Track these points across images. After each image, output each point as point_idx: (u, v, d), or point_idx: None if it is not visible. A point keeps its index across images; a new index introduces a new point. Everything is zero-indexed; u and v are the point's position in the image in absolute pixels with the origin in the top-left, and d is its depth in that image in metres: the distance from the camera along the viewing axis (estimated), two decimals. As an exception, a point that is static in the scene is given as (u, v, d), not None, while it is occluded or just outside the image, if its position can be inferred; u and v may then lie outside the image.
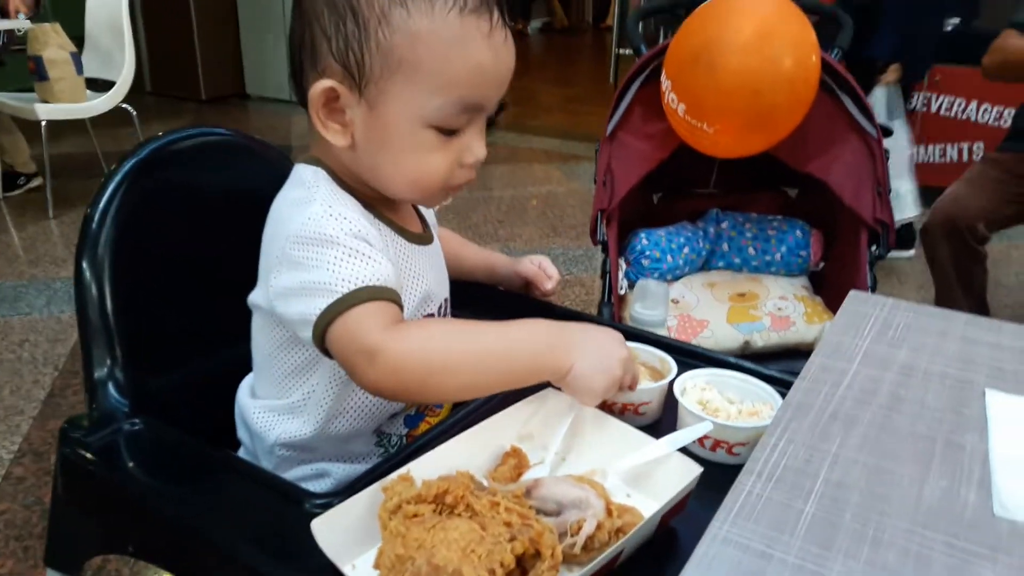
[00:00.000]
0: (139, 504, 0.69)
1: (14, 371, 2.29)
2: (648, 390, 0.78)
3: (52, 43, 3.32)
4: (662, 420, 0.82)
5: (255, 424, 0.81)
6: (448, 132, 0.72)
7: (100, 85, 3.60)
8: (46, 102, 3.37)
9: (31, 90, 3.47)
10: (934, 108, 3.80)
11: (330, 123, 0.72)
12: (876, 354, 0.76)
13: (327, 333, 0.67)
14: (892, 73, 2.73)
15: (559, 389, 0.71)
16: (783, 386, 0.77)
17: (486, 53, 0.70)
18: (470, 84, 0.70)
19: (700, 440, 0.73)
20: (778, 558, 0.51)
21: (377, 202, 0.79)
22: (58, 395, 2.19)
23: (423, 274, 0.82)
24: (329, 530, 0.56)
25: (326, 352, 0.69)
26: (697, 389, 0.78)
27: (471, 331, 0.70)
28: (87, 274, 0.79)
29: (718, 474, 0.66)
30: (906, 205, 2.83)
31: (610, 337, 0.72)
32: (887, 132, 1.59)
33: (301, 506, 0.64)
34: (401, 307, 0.70)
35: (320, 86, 0.70)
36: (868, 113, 1.56)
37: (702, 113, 1.46)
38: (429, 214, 0.91)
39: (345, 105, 0.71)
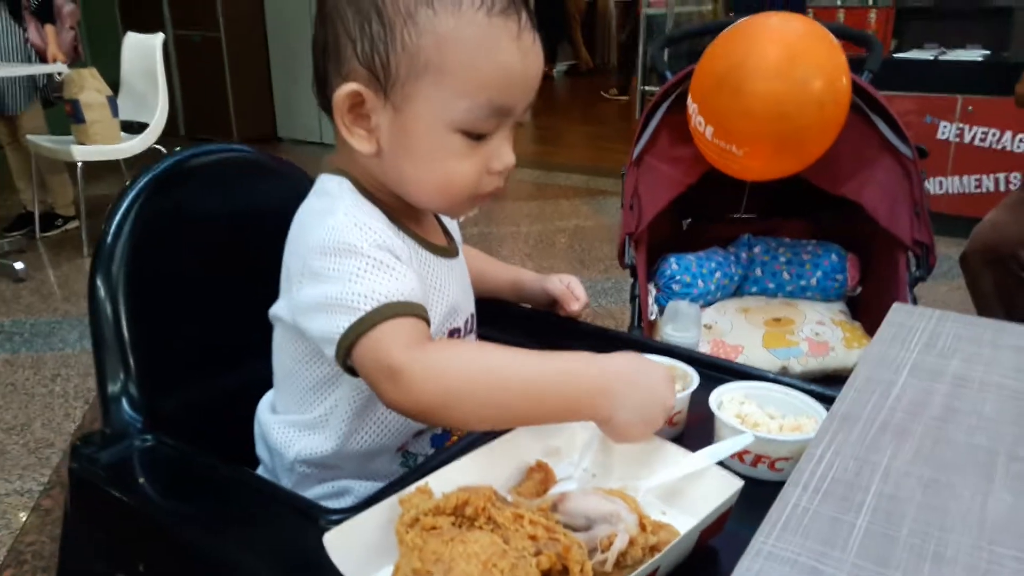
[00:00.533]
0: (149, 521, 0.66)
1: (46, 405, 2.31)
2: (679, 399, 0.74)
3: (89, 87, 3.42)
4: (687, 435, 0.78)
5: (275, 440, 0.79)
6: (476, 137, 0.69)
7: (135, 128, 3.69)
8: (82, 144, 3.45)
9: (70, 133, 3.56)
10: (967, 139, 3.74)
11: (355, 129, 0.70)
12: (925, 365, 0.72)
13: (351, 353, 0.65)
14: None
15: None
16: (825, 402, 0.73)
17: (514, 55, 0.68)
18: (498, 87, 0.68)
19: (739, 456, 0.69)
20: (829, 574, 0.46)
21: (402, 214, 0.76)
22: (88, 428, 2.19)
23: (448, 288, 0.79)
24: (343, 545, 0.53)
25: (350, 370, 0.67)
26: (735, 403, 0.74)
27: (505, 361, 0.64)
28: (101, 289, 0.78)
29: (760, 491, 0.61)
30: None
31: (658, 380, 0.65)
32: (923, 153, 1.54)
33: (316, 523, 0.60)
34: (428, 322, 0.68)
35: (345, 90, 0.68)
36: (901, 134, 1.52)
37: (730, 136, 1.44)
38: (454, 228, 0.89)
39: (370, 110, 0.69)
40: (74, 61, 3.70)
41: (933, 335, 0.78)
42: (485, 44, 0.66)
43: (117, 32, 4.43)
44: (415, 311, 0.66)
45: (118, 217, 0.80)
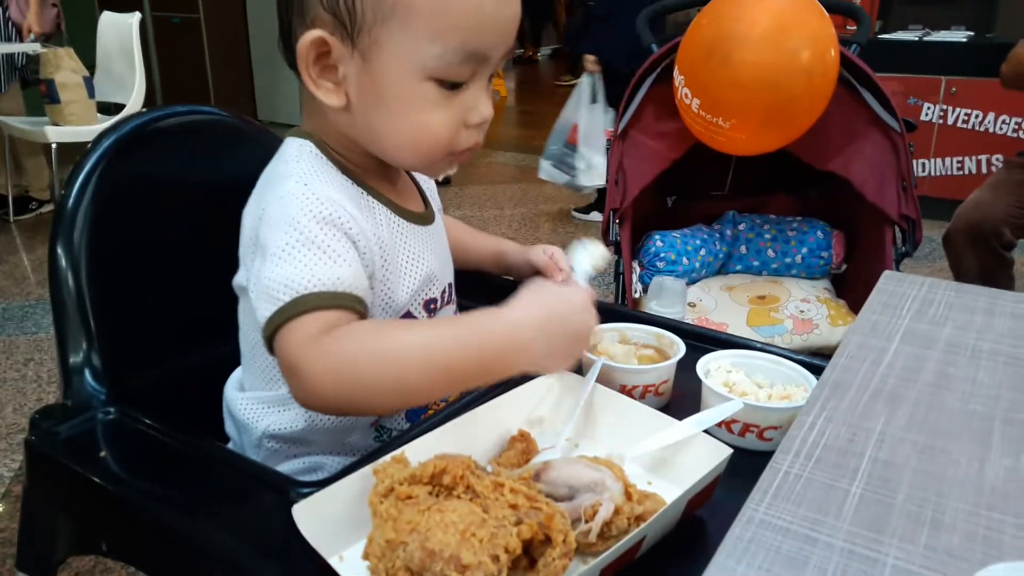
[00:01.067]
0: (112, 497, 0.63)
1: (18, 389, 2.26)
2: (666, 367, 0.72)
3: (65, 67, 3.33)
4: (673, 405, 0.75)
5: (241, 415, 0.76)
6: (451, 86, 0.66)
7: (112, 109, 3.61)
8: (57, 125, 3.37)
9: (43, 114, 3.48)
10: (950, 120, 3.74)
11: (322, 81, 0.67)
12: (917, 332, 0.70)
13: (273, 344, 0.62)
14: (591, 64, 3.36)
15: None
16: (815, 372, 0.71)
17: None
18: (471, 28, 0.64)
19: (727, 425, 0.67)
20: (824, 542, 0.44)
21: (374, 177, 0.73)
22: (58, 411, 2.14)
23: (422, 255, 0.76)
24: (313, 517, 0.50)
25: None
26: (722, 371, 0.71)
27: (405, 340, 0.60)
28: (61, 257, 0.74)
29: (748, 461, 0.60)
30: (597, 174, 3.43)
31: (573, 309, 0.63)
32: (911, 127, 1.52)
33: (287, 496, 0.57)
34: (359, 310, 0.64)
35: (308, 37, 0.64)
36: (890, 107, 1.50)
37: (717, 108, 1.41)
38: (433, 195, 0.86)
39: (337, 60, 0.66)
40: (54, 38, 3.60)
41: (925, 302, 0.76)
42: None
43: (94, 11, 4.33)
44: (338, 302, 0.62)
45: (80, 180, 0.76)
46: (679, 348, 0.75)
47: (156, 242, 0.83)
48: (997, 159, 3.63)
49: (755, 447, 0.67)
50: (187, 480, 0.63)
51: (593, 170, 3.44)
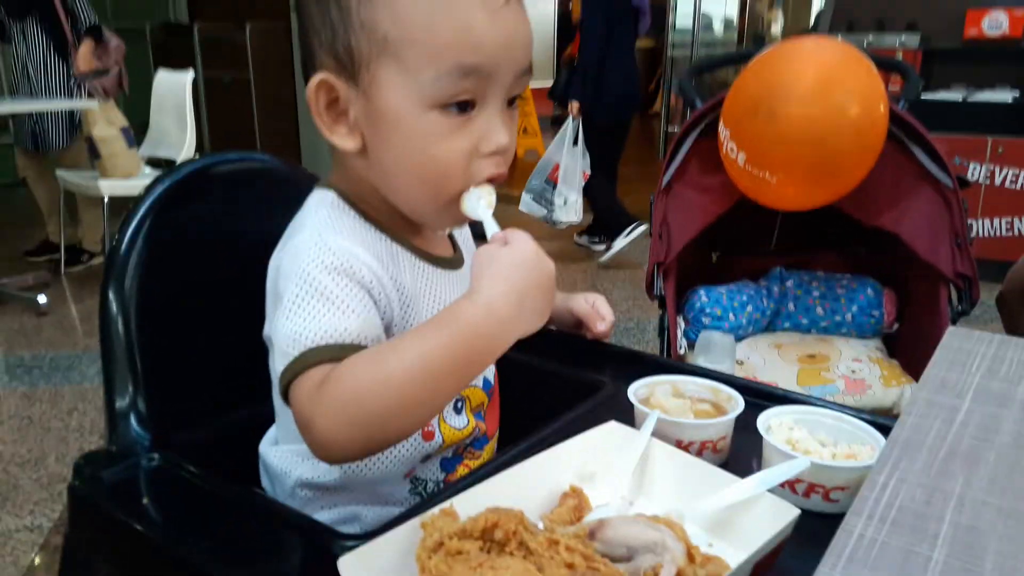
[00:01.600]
0: (154, 544, 0.62)
1: (61, 439, 2.28)
2: (725, 422, 0.69)
3: (99, 120, 3.40)
4: (731, 463, 0.72)
5: (275, 466, 0.75)
6: (458, 110, 0.64)
7: (163, 164, 3.72)
8: (104, 179, 3.47)
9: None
10: (998, 181, 3.68)
11: (336, 127, 0.67)
12: (990, 390, 0.66)
13: (288, 399, 0.63)
14: (575, 110, 3.73)
15: (620, 421, 0.63)
16: (880, 431, 0.68)
17: (477, 13, 0.62)
18: (463, 47, 0.62)
19: (790, 485, 0.63)
20: (908, 612, 0.41)
21: (397, 223, 0.73)
22: (99, 460, 2.15)
23: (448, 301, 0.75)
24: (359, 570, 0.48)
25: None
26: (784, 428, 0.68)
27: (397, 361, 0.59)
28: (112, 303, 0.75)
29: (813, 524, 0.56)
30: (572, 211, 3.81)
31: (531, 266, 0.62)
32: (964, 183, 1.49)
33: (330, 548, 0.56)
34: None
35: (313, 81, 0.65)
36: (942, 163, 1.47)
37: (763, 162, 1.40)
38: (464, 238, 0.85)
39: (346, 102, 0.66)
40: (117, 95, 3.72)
41: (995, 359, 0.72)
42: (441, 5, 0.62)
43: (149, 71, 4.51)
44: (344, 354, 0.61)
45: (132, 226, 0.77)
46: (738, 402, 0.72)
47: (205, 290, 0.83)
48: (1049, 219, 3.55)
49: (820, 509, 0.63)
50: (230, 529, 0.62)
51: (570, 207, 3.80)
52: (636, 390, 0.74)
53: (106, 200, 3.43)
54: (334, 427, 0.58)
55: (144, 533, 0.62)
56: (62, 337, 3.06)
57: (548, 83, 5.56)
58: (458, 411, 0.77)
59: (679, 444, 0.67)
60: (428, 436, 0.74)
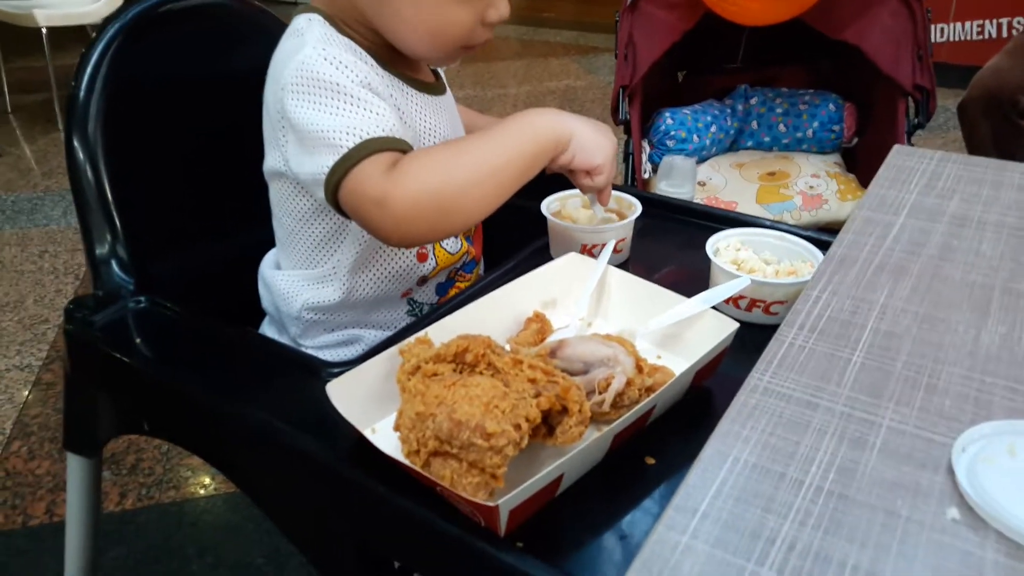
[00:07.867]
0: (149, 380, 0.67)
1: (36, 281, 2.30)
2: (622, 226, 0.78)
3: None
4: (683, 285, 0.78)
5: (281, 290, 0.79)
6: None
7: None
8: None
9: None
10: (971, -18, 3.57)
11: None
12: (924, 206, 0.71)
13: (339, 191, 0.64)
14: None
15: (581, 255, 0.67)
16: (823, 248, 0.73)
17: None
18: None
19: (734, 301, 0.69)
20: (824, 407, 0.47)
21: (383, 50, 0.73)
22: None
23: (437, 124, 0.77)
24: (346, 394, 0.53)
25: (340, 210, 0.66)
26: (731, 250, 0.73)
27: (468, 145, 0.66)
28: (78, 151, 0.75)
29: (754, 335, 0.62)
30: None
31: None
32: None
33: (318, 375, 0.61)
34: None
35: None
36: (909, -30, 1.44)
37: (730, -24, 1.36)
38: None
39: None
40: None
41: (933, 176, 0.77)
42: None
43: None
44: (397, 146, 0.64)
45: (88, 71, 0.75)
46: (636, 208, 0.81)
47: (170, 131, 0.83)
48: (1019, 22, 3.49)
49: (761, 321, 0.70)
50: (221, 363, 0.66)
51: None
52: (549, 204, 0.82)
53: (44, 33, 3.23)
54: (412, 201, 0.62)
55: (141, 369, 0.67)
56: (19, 179, 2.99)
57: None
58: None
59: (584, 248, 0.76)
60: (422, 258, 0.79)
